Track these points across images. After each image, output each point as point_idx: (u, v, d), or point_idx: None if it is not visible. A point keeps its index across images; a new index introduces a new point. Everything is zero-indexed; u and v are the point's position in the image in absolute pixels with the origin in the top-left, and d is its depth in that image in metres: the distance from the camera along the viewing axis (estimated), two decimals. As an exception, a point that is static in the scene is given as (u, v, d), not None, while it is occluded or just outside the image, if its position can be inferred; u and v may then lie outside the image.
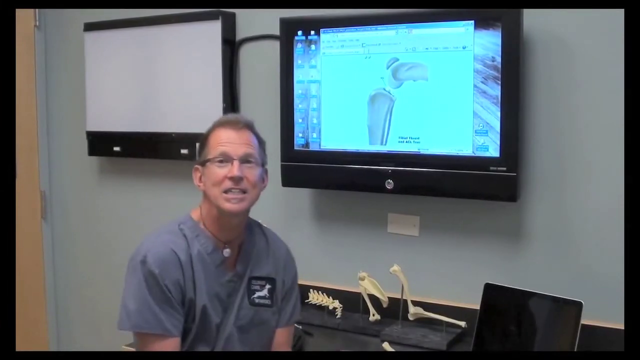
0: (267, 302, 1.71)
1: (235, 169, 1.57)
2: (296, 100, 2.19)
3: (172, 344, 1.57)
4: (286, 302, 1.76)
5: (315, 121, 2.17)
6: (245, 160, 1.59)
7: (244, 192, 1.58)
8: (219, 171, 1.58)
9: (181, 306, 1.60)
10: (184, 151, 2.43)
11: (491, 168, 1.91)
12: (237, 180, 1.57)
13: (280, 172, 2.23)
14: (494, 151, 1.91)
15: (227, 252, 1.66)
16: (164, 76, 2.53)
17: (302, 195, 2.34)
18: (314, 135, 2.18)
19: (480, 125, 1.92)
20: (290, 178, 2.23)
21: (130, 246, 1.65)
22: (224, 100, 2.39)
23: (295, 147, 2.21)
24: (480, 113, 1.92)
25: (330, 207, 2.31)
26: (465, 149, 1.96)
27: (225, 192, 1.58)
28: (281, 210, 2.39)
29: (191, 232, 1.64)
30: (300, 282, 1.85)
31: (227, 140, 1.59)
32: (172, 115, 2.51)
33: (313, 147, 2.18)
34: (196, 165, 1.65)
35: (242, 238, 1.70)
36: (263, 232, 1.77)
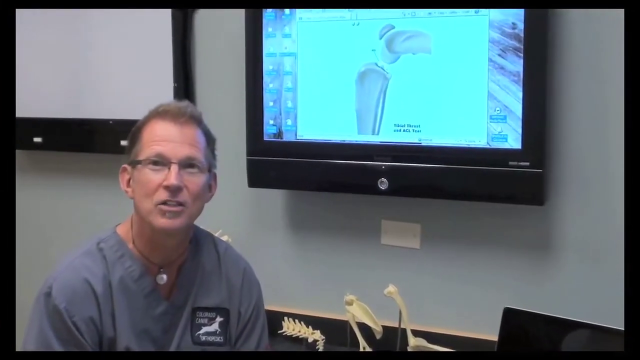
0: (217, 339, 1.67)
1: (173, 176, 1.52)
2: (266, 79, 2.17)
3: None
4: (247, 338, 1.72)
5: (290, 105, 2.16)
6: (187, 164, 1.55)
7: (181, 204, 1.54)
8: (152, 177, 1.54)
9: (97, 348, 1.56)
10: (124, 142, 2.33)
11: (511, 163, 1.90)
12: (174, 190, 1.52)
13: (247, 169, 2.21)
14: (514, 142, 1.90)
15: (162, 278, 1.62)
16: (99, 49, 2.50)
17: (274, 199, 2.33)
18: (289, 122, 2.17)
19: (497, 109, 1.91)
20: (259, 177, 2.21)
21: (53, 264, 1.62)
22: (175, 80, 2.38)
23: (265, 138, 2.19)
24: (496, 94, 1.91)
25: (309, 213, 2.31)
26: (478, 140, 1.95)
27: (159, 204, 1.53)
28: (247, 217, 2.39)
29: (113, 252, 1.60)
30: (271, 307, 1.89)
31: (166, 138, 1.55)
32: (110, 97, 2.49)
33: (287, 137, 2.17)
34: (124, 165, 1.62)
35: (184, 257, 1.66)
36: (215, 247, 1.73)
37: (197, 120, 1.59)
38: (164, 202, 1.52)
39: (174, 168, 1.52)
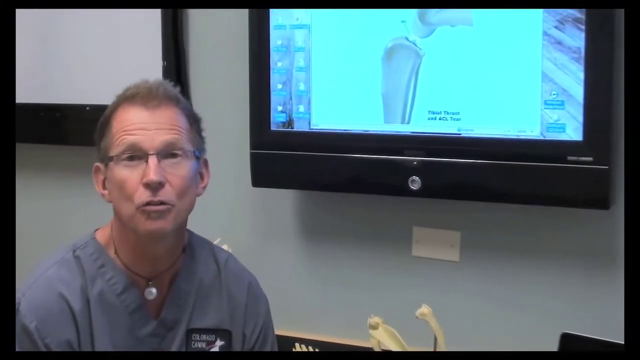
0: None
1: (152, 171, 1.49)
2: (273, 56, 2.14)
3: None
4: None
5: (302, 87, 2.13)
6: (167, 153, 1.52)
7: (164, 203, 1.51)
8: (128, 175, 1.51)
9: None
10: (104, 133, 2.41)
11: (570, 158, 1.87)
12: (155, 188, 1.49)
13: (250, 165, 2.19)
14: (573, 132, 1.87)
15: (151, 292, 1.59)
16: (74, 21, 2.47)
17: (283, 200, 2.31)
18: (301, 108, 2.14)
19: (554, 93, 1.88)
20: (265, 174, 2.20)
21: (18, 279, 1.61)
22: (164, 57, 2.36)
23: (273, 127, 2.16)
24: (552, 75, 1.88)
25: (325, 218, 2.29)
26: (529, 130, 1.92)
27: (142, 206, 1.50)
28: (251, 223, 2.38)
29: (92, 261, 1.57)
30: (279, 331, 1.84)
31: (137, 125, 1.53)
32: (86, 79, 2.47)
33: (299, 126, 2.14)
34: (96, 164, 1.61)
35: (177, 268, 1.62)
36: (215, 258, 1.71)
37: (173, 100, 1.56)
38: (148, 203, 1.50)
39: (152, 160, 1.49)
